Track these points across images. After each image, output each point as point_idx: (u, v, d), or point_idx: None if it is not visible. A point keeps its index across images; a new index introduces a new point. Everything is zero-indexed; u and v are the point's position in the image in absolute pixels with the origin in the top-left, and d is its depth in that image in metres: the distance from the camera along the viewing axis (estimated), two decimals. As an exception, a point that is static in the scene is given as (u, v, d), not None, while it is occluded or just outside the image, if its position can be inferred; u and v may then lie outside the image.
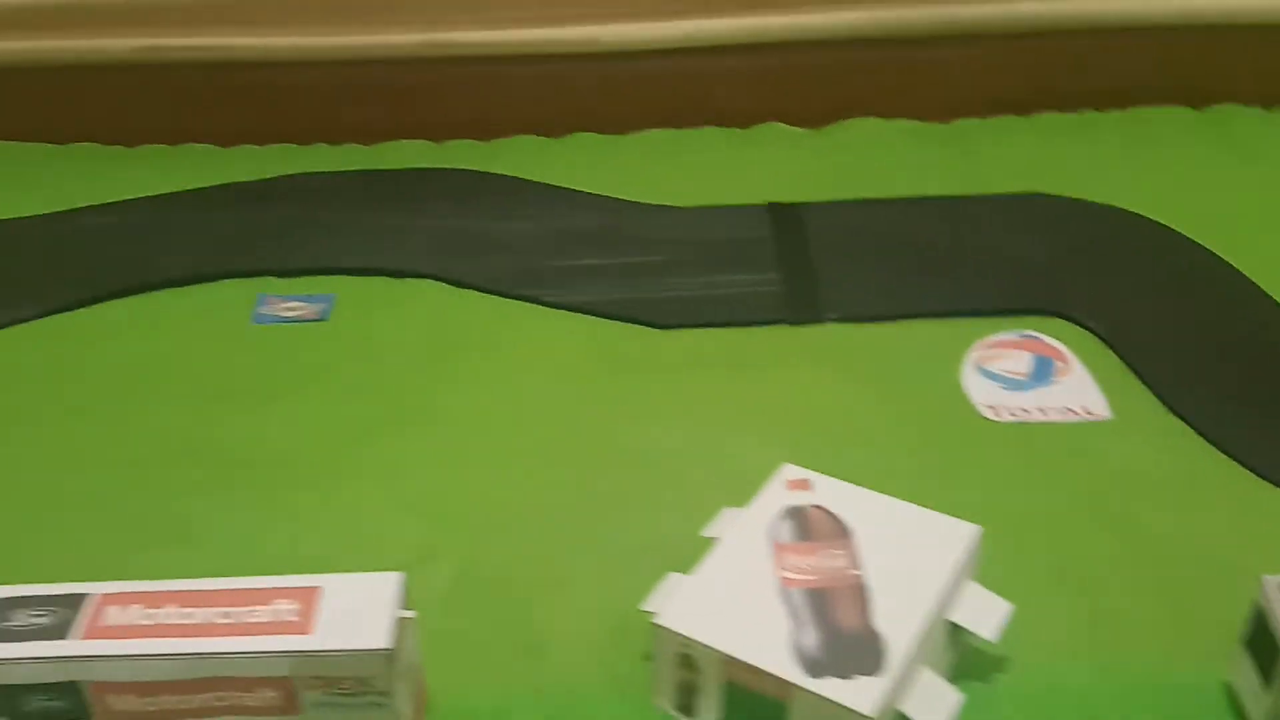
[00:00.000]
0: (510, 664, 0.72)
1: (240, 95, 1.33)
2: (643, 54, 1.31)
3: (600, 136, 1.33)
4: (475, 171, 1.25)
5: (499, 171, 1.26)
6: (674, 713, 0.67)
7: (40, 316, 1.06)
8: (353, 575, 0.64)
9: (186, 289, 1.09)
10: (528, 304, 1.05)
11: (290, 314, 1.05)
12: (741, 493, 0.75)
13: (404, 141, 1.33)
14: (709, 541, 0.71)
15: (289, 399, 0.95)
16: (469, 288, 1.07)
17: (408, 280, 1.09)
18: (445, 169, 1.26)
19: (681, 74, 1.33)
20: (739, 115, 1.33)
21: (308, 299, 1.06)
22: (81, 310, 1.07)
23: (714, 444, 0.89)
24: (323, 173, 1.26)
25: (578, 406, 0.93)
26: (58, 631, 0.62)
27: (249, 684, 0.62)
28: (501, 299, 1.06)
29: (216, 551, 0.81)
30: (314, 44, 1.30)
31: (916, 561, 0.67)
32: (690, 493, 0.84)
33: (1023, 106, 1.34)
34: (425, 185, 1.23)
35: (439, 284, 1.08)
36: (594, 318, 1.03)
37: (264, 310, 1.05)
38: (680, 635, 0.64)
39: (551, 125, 1.33)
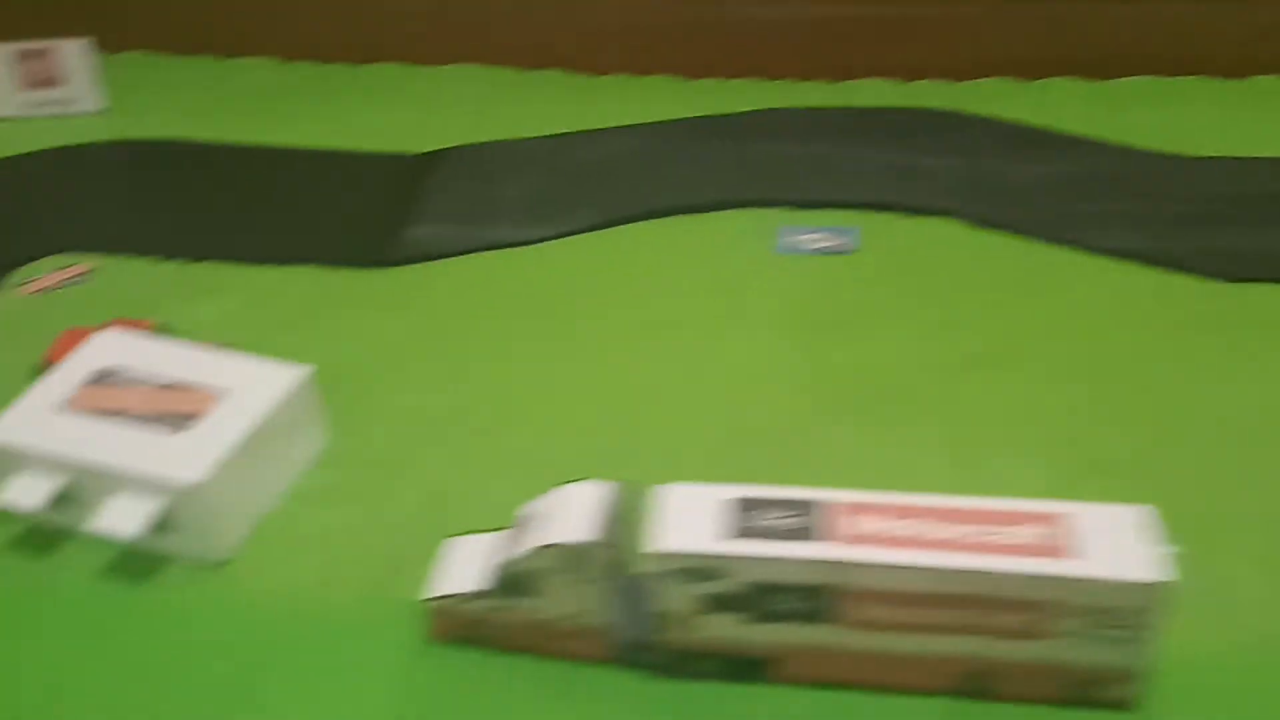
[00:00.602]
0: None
1: (705, 30, 1.34)
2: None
3: (1075, 81, 1.27)
4: (960, 113, 1.22)
5: (973, 113, 1.23)
6: None
7: (563, 236, 1.09)
8: (1095, 505, 0.63)
9: (702, 216, 1.10)
10: (1069, 249, 1.01)
11: (816, 245, 1.04)
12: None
13: (870, 80, 1.31)
14: None
15: (839, 330, 0.95)
16: (996, 229, 1.05)
17: (929, 218, 1.07)
18: (929, 109, 1.23)
19: (1169, 20, 1.26)
20: (1229, 65, 1.26)
21: (833, 231, 1.05)
22: (604, 231, 1.09)
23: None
24: (801, 108, 1.25)
25: (1159, 362, 0.89)
26: (808, 534, 0.62)
27: (997, 605, 0.61)
28: (1037, 243, 1.03)
29: (829, 476, 0.81)
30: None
31: None
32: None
33: None
34: (910, 124, 1.21)
35: (962, 224, 1.06)
36: (1149, 267, 0.99)
37: (788, 241, 1.05)
38: None
39: (1024, 68, 1.29)
